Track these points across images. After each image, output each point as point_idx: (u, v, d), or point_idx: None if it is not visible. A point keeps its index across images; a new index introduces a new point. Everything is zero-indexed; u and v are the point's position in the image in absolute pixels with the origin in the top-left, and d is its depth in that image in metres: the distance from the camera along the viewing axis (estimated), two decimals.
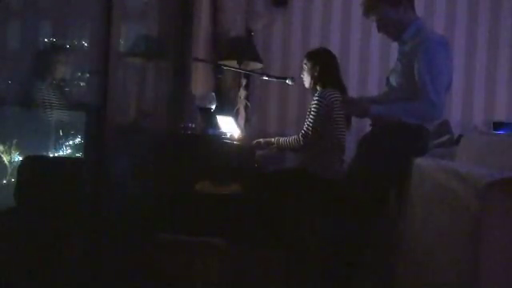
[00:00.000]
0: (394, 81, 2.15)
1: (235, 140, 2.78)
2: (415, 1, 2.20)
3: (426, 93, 1.96)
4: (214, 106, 2.77)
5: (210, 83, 3.19)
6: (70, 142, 2.60)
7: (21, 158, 2.32)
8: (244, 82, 3.18)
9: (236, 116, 3.09)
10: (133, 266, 2.04)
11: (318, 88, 2.67)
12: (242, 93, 3.17)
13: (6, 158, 2.34)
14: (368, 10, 2.18)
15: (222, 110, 2.89)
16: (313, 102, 2.59)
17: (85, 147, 2.35)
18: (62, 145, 2.58)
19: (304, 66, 2.74)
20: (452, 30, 3.48)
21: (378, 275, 2.21)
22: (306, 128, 2.58)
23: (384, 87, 2.28)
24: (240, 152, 2.59)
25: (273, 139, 2.73)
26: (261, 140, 2.77)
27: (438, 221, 1.63)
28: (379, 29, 2.19)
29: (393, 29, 2.16)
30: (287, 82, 2.98)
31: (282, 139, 2.69)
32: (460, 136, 2.33)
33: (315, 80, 2.69)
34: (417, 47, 2.02)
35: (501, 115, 3.51)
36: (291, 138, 2.64)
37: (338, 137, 2.63)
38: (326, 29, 3.55)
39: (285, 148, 2.69)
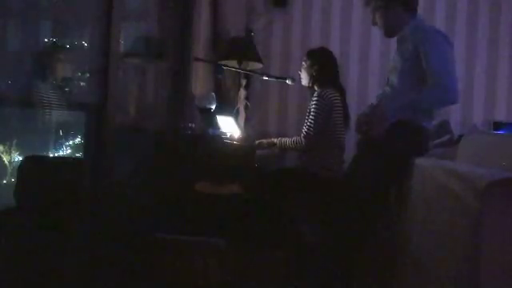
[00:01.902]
0: (394, 80, 2.15)
1: (235, 140, 2.78)
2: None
3: (439, 78, 1.95)
4: (213, 106, 2.77)
5: (209, 83, 3.18)
6: (70, 142, 2.60)
7: (21, 158, 2.32)
8: (244, 82, 3.18)
9: (236, 116, 3.09)
10: (133, 266, 2.04)
11: (316, 88, 2.67)
12: (242, 93, 3.17)
13: (5, 158, 2.34)
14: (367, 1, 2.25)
15: (221, 110, 2.89)
16: (312, 103, 2.59)
17: (85, 147, 2.35)
18: (62, 145, 2.58)
19: (303, 63, 2.74)
20: (452, 29, 3.48)
21: (378, 275, 2.21)
22: (308, 129, 2.58)
23: (385, 87, 2.27)
24: (240, 152, 2.59)
25: (275, 140, 2.73)
26: (263, 140, 2.77)
27: (438, 221, 1.63)
28: (373, 21, 2.23)
29: (383, 28, 2.21)
30: (287, 81, 2.98)
31: (284, 140, 2.68)
32: (460, 136, 2.33)
33: (313, 79, 2.69)
34: (420, 39, 2.04)
35: (501, 115, 3.51)
36: (293, 139, 2.64)
37: (338, 136, 2.63)
38: (326, 29, 3.55)
39: (287, 149, 2.69)
